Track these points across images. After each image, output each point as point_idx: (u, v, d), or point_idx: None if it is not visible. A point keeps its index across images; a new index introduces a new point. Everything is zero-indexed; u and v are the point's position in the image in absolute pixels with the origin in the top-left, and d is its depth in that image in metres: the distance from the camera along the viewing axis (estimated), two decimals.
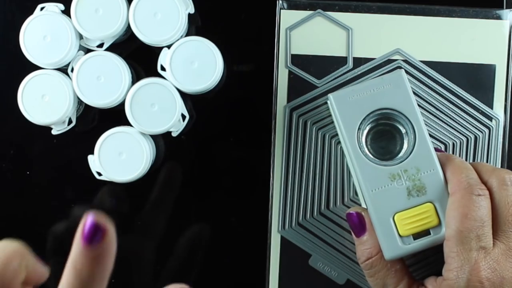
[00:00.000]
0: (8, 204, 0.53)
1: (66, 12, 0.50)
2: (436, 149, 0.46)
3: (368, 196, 0.45)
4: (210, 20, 0.52)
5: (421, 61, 0.51)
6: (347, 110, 0.46)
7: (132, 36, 0.50)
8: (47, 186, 0.53)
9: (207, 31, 0.51)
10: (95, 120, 0.53)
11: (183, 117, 0.50)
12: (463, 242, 0.41)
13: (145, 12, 0.49)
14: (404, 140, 0.47)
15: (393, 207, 0.45)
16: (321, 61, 0.51)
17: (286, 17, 0.51)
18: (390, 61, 0.51)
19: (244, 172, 0.52)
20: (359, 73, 0.51)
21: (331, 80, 0.51)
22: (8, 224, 0.53)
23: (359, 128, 0.46)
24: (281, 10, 0.51)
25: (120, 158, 0.49)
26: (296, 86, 0.51)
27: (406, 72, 0.50)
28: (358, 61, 0.51)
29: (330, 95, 0.46)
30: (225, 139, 0.52)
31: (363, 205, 0.47)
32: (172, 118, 0.49)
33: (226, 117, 0.52)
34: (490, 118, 0.51)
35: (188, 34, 0.51)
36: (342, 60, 0.51)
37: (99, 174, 0.50)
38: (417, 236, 0.45)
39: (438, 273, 0.44)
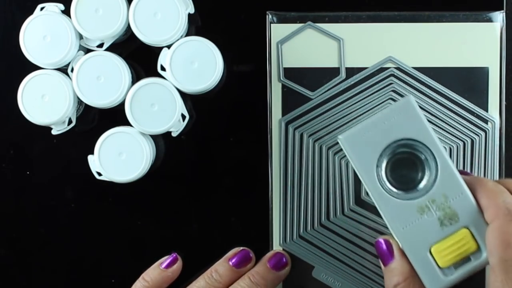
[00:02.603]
0: (8, 204, 0.53)
1: (66, 12, 0.50)
2: (462, 172, 0.45)
3: (399, 235, 0.43)
4: (210, 20, 0.52)
5: (413, 68, 0.51)
6: (361, 150, 0.43)
7: (132, 36, 0.50)
8: (47, 186, 0.53)
9: (207, 31, 0.51)
10: (95, 120, 0.53)
11: (183, 117, 0.50)
12: (508, 270, 0.40)
13: (145, 12, 0.49)
14: (425, 166, 0.44)
15: (428, 241, 0.43)
16: (314, 73, 0.51)
17: (276, 31, 0.51)
18: (382, 69, 0.51)
19: (244, 172, 0.52)
20: (352, 83, 0.51)
21: (325, 92, 0.51)
22: (8, 224, 0.53)
23: (377, 166, 0.44)
24: (271, 24, 0.51)
25: (120, 158, 0.49)
26: (290, 100, 0.51)
27: (399, 79, 0.50)
28: (351, 71, 0.51)
29: (340, 137, 0.44)
30: (225, 139, 0.52)
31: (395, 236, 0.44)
32: (172, 118, 0.49)
33: (226, 117, 0.52)
34: (485, 121, 0.51)
35: (188, 34, 0.51)
36: (334, 71, 0.51)
37: (99, 174, 0.50)
38: (457, 264, 0.43)
39: None
